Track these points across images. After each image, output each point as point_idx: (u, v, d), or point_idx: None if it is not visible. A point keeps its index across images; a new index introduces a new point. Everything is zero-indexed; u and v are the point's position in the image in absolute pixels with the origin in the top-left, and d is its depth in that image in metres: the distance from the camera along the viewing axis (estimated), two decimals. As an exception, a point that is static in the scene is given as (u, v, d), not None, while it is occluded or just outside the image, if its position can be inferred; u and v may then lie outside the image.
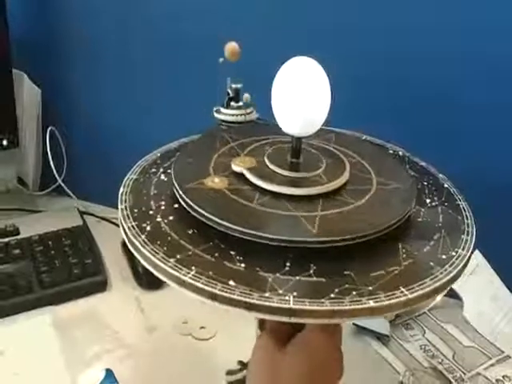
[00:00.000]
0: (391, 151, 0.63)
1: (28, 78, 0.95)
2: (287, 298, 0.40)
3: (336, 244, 0.44)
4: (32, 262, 0.84)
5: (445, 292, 0.45)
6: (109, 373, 0.65)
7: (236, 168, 0.53)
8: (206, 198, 0.49)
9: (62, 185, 1.00)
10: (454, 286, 0.79)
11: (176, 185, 0.51)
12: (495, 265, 0.80)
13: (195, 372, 0.71)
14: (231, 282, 0.41)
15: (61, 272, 0.82)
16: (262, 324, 0.53)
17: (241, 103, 0.64)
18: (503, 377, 0.72)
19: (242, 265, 0.43)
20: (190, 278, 0.41)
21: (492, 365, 0.74)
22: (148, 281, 0.84)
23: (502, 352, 0.76)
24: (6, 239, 0.87)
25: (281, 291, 0.41)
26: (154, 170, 0.57)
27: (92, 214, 1.00)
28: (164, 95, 0.93)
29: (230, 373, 0.68)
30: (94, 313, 0.79)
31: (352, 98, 0.72)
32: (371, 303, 0.40)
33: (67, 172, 1.00)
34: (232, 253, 0.44)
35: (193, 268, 0.42)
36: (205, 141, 0.59)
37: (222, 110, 0.64)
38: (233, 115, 0.64)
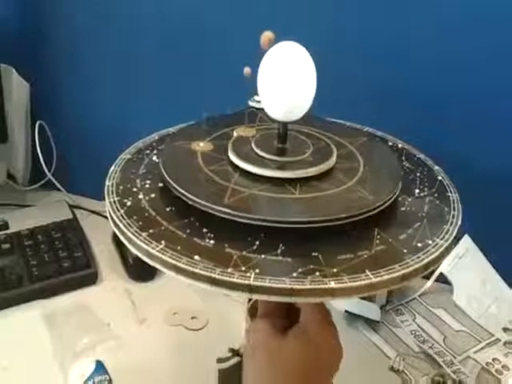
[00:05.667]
0: (391, 143, 0.63)
1: (16, 73, 0.95)
2: (248, 274, 0.41)
3: (233, 218, 0.44)
4: (22, 256, 0.84)
5: (417, 278, 0.44)
6: (99, 364, 0.65)
7: (234, 133, 0.56)
8: (172, 153, 0.53)
9: (52, 179, 0.99)
10: (444, 271, 0.79)
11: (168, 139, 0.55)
12: (484, 249, 0.81)
13: (187, 362, 0.71)
14: (196, 257, 0.42)
15: (51, 265, 0.82)
16: (251, 312, 0.53)
17: None
18: (493, 360, 0.72)
19: (211, 241, 0.44)
20: (158, 251, 0.43)
21: (482, 348, 0.74)
22: (138, 273, 0.84)
23: (492, 335, 0.76)
24: (-4, 234, 0.87)
25: (243, 268, 0.41)
26: (148, 151, 0.58)
27: (82, 208, 1.00)
28: (155, 89, 0.93)
29: (220, 360, 0.68)
30: (85, 305, 0.79)
31: (341, 87, 0.72)
32: (332, 284, 0.40)
33: (56, 166, 0.99)
34: (204, 230, 0.45)
35: (162, 242, 0.44)
36: (236, 115, 0.60)
37: (256, 98, 0.63)
38: None
